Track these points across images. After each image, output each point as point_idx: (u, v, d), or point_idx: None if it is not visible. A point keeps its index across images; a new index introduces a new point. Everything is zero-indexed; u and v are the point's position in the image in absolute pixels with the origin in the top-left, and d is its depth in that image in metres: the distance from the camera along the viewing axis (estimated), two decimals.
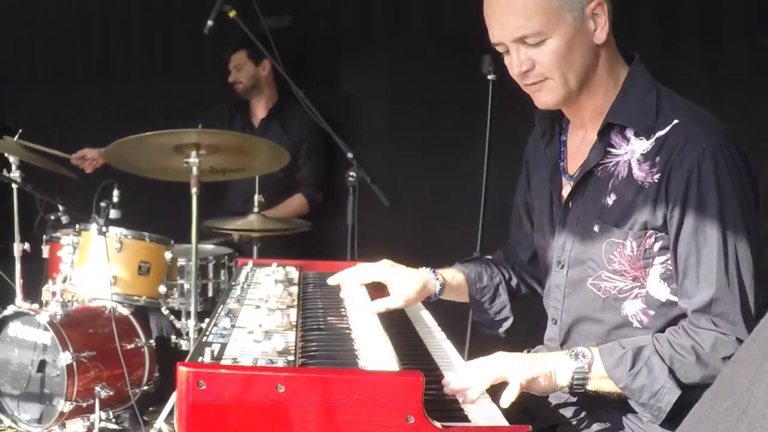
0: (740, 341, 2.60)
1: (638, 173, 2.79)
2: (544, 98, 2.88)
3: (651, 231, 2.77)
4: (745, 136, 3.20)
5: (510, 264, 3.53)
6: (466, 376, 2.57)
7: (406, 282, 3.29)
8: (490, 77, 5.34)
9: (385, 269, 3.35)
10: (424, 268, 3.39)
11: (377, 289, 3.33)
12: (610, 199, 2.86)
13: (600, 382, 2.68)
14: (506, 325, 3.45)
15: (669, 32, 5.76)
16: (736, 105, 5.34)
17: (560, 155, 3.16)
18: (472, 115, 6.01)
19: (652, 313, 2.84)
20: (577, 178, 2.99)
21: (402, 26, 7.11)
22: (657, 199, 2.74)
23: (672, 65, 5.39)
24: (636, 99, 2.86)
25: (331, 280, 3.42)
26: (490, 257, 3.59)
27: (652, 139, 2.78)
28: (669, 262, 2.78)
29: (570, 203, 3.03)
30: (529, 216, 3.43)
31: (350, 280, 3.37)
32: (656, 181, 2.74)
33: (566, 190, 3.07)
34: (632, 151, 2.82)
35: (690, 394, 2.59)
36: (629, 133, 2.85)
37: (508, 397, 2.51)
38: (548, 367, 2.67)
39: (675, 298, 2.80)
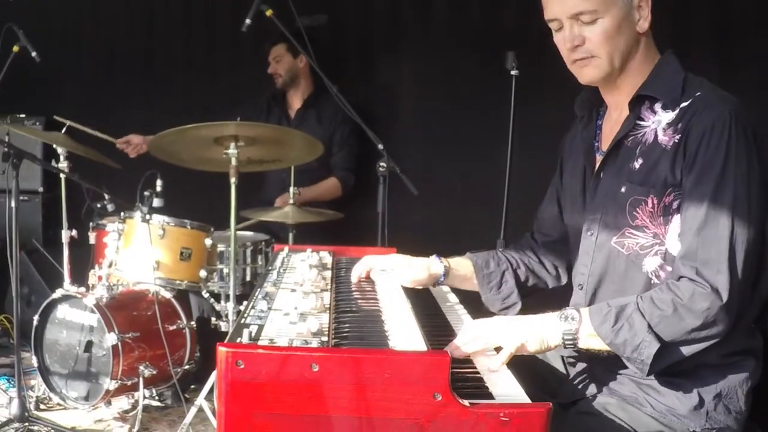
0: (717, 293, 2.62)
1: (662, 138, 2.86)
2: (589, 73, 2.98)
3: (670, 188, 2.81)
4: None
5: (521, 255, 3.55)
6: (466, 335, 2.65)
7: (412, 268, 3.38)
8: (513, 72, 5.34)
9: (392, 258, 3.44)
10: (433, 256, 3.46)
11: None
12: (637, 163, 2.92)
13: (589, 340, 2.72)
14: (514, 310, 3.46)
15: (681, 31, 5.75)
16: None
17: (595, 137, 3.23)
18: (495, 108, 6.00)
19: (669, 269, 2.85)
20: (608, 149, 3.06)
21: (430, 25, 7.10)
22: (676, 157, 2.80)
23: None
24: (666, 77, 2.95)
25: (354, 277, 3.44)
26: (500, 249, 3.62)
27: (677, 110, 2.86)
28: None
29: (602, 173, 3.09)
30: (559, 202, 3.45)
31: (361, 268, 3.43)
32: (677, 141, 2.81)
33: (598, 165, 3.13)
34: (659, 121, 2.90)
35: (671, 352, 2.66)
36: (657, 107, 2.93)
37: (499, 360, 2.59)
38: (539, 331, 2.72)
39: None
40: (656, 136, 2.88)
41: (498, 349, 2.67)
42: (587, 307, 2.77)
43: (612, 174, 3.03)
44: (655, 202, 2.84)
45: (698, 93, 2.85)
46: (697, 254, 2.69)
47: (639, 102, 2.97)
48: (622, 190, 2.94)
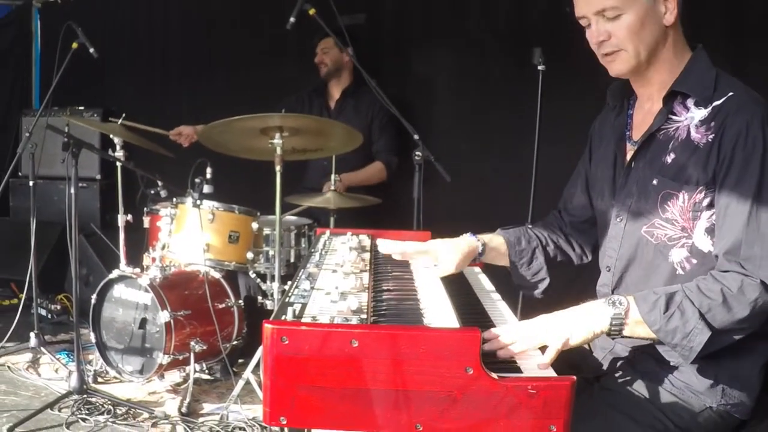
0: (764, 285, 2.61)
1: (695, 135, 2.84)
2: (617, 67, 2.96)
3: (702, 186, 2.78)
4: None
5: (549, 232, 3.52)
6: (508, 336, 2.55)
7: (452, 249, 3.30)
8: (540, 67, 5.35)
9: (432, 243, 3.37)
10: (466, 234, 3.41)
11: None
12: (669, 158, 2.90)
13: (635, 327, 2.66)
14: (543, 286, 3.45)
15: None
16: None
17: (627, 126, 3.20)
18: (523, 101, 6.00)
19: (694, 261, 2.84)
20: (641, 141, 3.04)
21: (462, 22, 7.09)
22: (709, 156, 2.78)
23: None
24: (698, 75, 2.92)
25: (384, 249, 3.37)
26: (529, 225, 3.59)
27: (710, 108, 2.83)
28: (714, 217, 2.78)
29: (633, 163, 3.07)
30: (586, 186, 3.43)
31: (403, 247, 3.36)
32: (710, 141, 2.79)
33: (630, 154, 3.12)
34: (691, 118, 2.88)
35: (719, 340, 2.63)
36: (690, 103, 2.90)
37: (547, 359, 2.48)
38: (584, 320, 2.64)
39: None
40: (689, 132, 2.86)
41: (543, 348, 2.61)
42: (632, 296, 2.72)
43: (644, 165, 3.02)
44: (686, 197, 2.82)
45: (731, 93, 2.82)
46: (741, 251, 2.67)
47: (672, 97, 2.95)
48: (654, 182, 2.93)
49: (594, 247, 3.46)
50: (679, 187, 2.84)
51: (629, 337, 2.74)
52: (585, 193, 3.44)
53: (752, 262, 2.65)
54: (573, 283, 2.99)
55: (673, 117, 2.94)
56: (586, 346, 3.27)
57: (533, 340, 2.54)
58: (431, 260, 3.31)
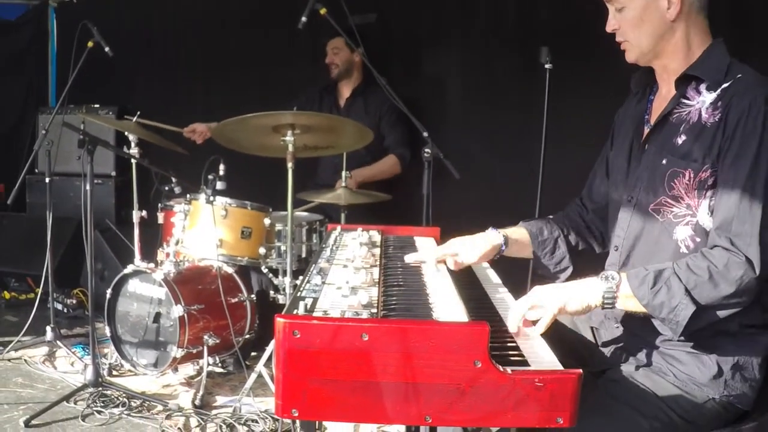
0: (750, 263, 2.64)
1: (705, 116, 2.89)
2: (627, 55, 3.12)
3: (707, 165, 2.82)
4: None
5: (570, 221, 3.55)
6: (512, 311, 2.63)
7: (476, 245, 3.32)
8: (546, 66, 5.34)
9: (455, 243, 3.35)
10: (489, 229, 3.42)
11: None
12: (680, 139, 2.94)
13: (626, 301, 2.72)
14: (566, 274, 3.48)
15: None
16: None
17: (646, 111, 3.25)
18: (530, 99, 6.02)
19: (698, 240, 2.87)
20: (654, 123, 3.10)
21: (471, 22, 7.09)
22: (715, 135, 2.82)
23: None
24: (711, 61, 2.98)
25: (410, 258, 3.36)
26: (551, 216, 3.60)
27: (719, 90, 2.89)
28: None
29: (646, 145, 3.12)
30: (607, 171, 3.46)
31: (428, 257, 3.33)
32: (717, 120, 2.84)
33: (644, 137, 3.16)
34: (702, 101, 2.93)
35: (705, 316, 2.66)
36: (702, 88, 2.95)
37: (542, 323, 2.58)
38: (579, 291, 2.71)
39: None
40: (700, 115, 2.91)
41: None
42: (625, 272, 2.77)
43: (656, 147, 3.05)
44: (692, 175, 2.85)
45: (739, 75, 2.88)
46: (732, 226, 2.70)
47: (685, 82, 3.00)
48: (664, 161, 2.97)
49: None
50: (686, 165, 2.88)
51: (624, 310, 2.82)
52: (605, 180, 3.48)
53: (742, 238, 2.68)
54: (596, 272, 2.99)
55: (686, 101, 2.99)
56: (593, 340, 3.29)
57: (530, 303, 2.59)
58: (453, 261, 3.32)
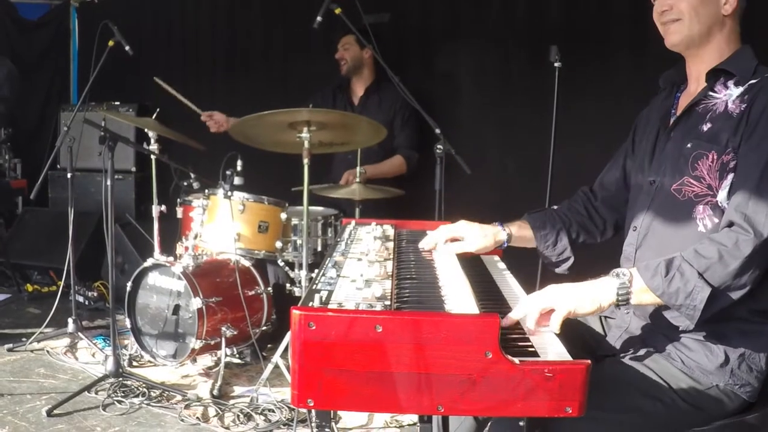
0: (759, 236, 2.64)
1: (731, 107, 2.91)
2: (672, 37, 3.08)
3: (730, 149, 2.84)
4: None
5: (573, 212, 3.57)
6: (521, 308, 2.59)
7: (480, 235, 3.38)
8: (556, 65, 5.36)
9: (463, 227, 3.42)
10: (495, 223, 3.47)
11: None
12: (705, 127, 2.96)
13: (641, 295, 2.68)
14: (567, 264, 3.52)
15: None
16: None
17: (673, 105, 3.27)
18: (540, 96, 6.05)
19: (716, 220, 2.86)
20: (681, 112, 3.13)
21: (482, 22, 7.09)
22: (740, 122, 2.85)
23: None
24: (741, 61, 3.01)
25: (423, 244, 3.42)
26: (555, 207, 3.62)
27: (746, 85, 2.92)
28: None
29: (672, 133, 3.13)
30: (624, 164, 3.49)
31: (437, 238, 3.40)
32: (742, 110, 2.87)
33: (671, 124, 3.19)
34: (729, 95, 2.96)
35: (721, 298, 2.65)
36: (730, 84, 2.98)
37: (555, 322, 2.53)
38: (592, 291, 2.66)
39: None
40: (726, 106, 2.93)
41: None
42: (634, 267, 2.74)
43: (681, 133, 3.07)
44: (715, 157, 2.87)
45: (766, 75, 2.93)
46: (749, 203, 2.70)
47: (714, 77, 3.03)
48: (689, 145, 2.98)
49: (617, 224, 3.52)
50: (710, 148, 2.90)
51: (637, 305, 2.79)
52: (622, 169, 3.50)
53: (758, 214, 2.67)
54: (596, 263, 2.99)
55: (713, 94, 3.01)
56: (601, 331, 3.29)
57: (542, 305, 2.56)
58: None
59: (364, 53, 7.00)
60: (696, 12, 2.98)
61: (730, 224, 2.72)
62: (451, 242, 3.39)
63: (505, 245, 3.48)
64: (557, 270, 3.56)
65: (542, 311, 2.55)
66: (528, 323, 2.54)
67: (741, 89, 2.93)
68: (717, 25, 3.02)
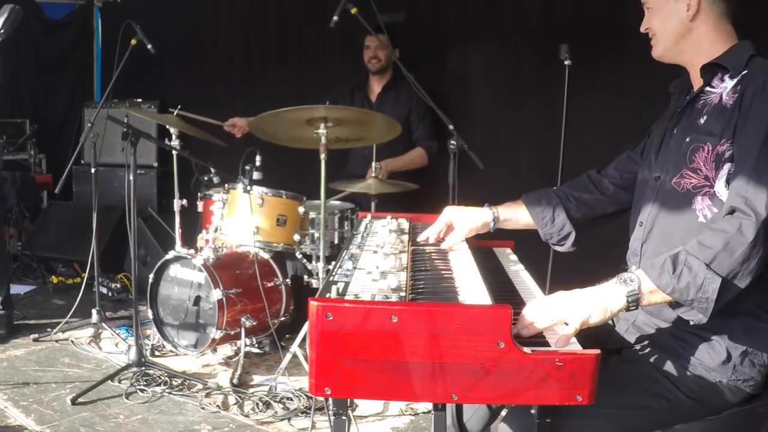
0: (760, 218, 2.61)
1: (725, 99, 2.91)
2: (654, 52, 3.19)
3: (725, 139, 2.83)
4: None
5: (573, 189, 3.57)
6: (530, 315, 2.51)
7: (466, 218, 3.44)
8: (566, 63, 5.36)
9: (449, 213, 3.49)
10: (485, 205, 3.53)
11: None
12: (702, 120, 2.96)
13: (651, 297, 2.63)
14: (571, 239, 3.50)
15: None
16: None
17: (680, 106, 3.25)
18: (551, 94, 6.04)
19: (715, 210, 2.84)
20: (682, 107, 3.16)
21: (494, 21, 7.09)
22: (733, 112, 2.84)
23: None
24: (734, 55, 3.00)
25: (421, 238, 3.47)
26: (555, 188, 3.62)
27: (739, 77, 2.92)
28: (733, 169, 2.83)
29: (675, 129, 3.14)
30: (639, 156, 3.47)
31: (429, 233, 3.47)
32: (735, 100, 2.86)
33: (672, 122, 3.20)
34: (725, 87, 2.95)
35: (731, 287, 2.61)
36: (726, 77, 2.98)
37: (564, 340, 2.44)
38: (600, 301, 2.59)
39: None
40: (721, 98, 2.93)
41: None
42: (639, 268, 2.71)
43: (682, 129, 3.07)
44: (710, 148, 2.85)
45: (757, 63, 2.94)
46: (748, 186, 2.67)
47: (711, 72, 3.03)
48: (687, 139, 2.98)
49: (619, 201, 3.50)
50: (705, 139, 2.89)
51: (650, 305, 2.74)
52: (629, 165, 3.49)
53: (757, 196, 2.65)
54: (601, 256, 3.00)
55: (710, 89, 3.01)
56: (610, 322, 3.28)
57: (554, 316, 2.53)
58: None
59: (395, 53, 7.00)
60: (664, 27, 3.10)
61: (732, 211, 2.69)
62: (445, 232, 3.46)
63: (493, 225, 3.48)
64: (562, 248, 3.53)
65: (554, 323, 2.53)
66: (538, 326, 2.52)
67: (734, 81, 2.93)
68: (687, 31, 3.06)
